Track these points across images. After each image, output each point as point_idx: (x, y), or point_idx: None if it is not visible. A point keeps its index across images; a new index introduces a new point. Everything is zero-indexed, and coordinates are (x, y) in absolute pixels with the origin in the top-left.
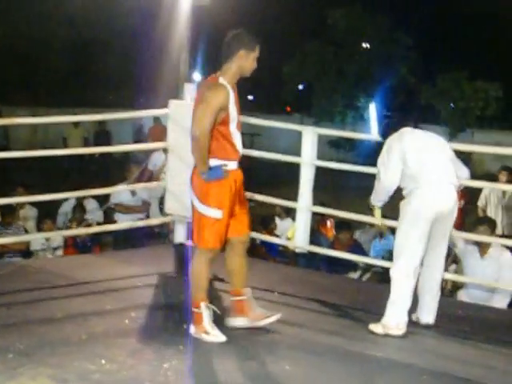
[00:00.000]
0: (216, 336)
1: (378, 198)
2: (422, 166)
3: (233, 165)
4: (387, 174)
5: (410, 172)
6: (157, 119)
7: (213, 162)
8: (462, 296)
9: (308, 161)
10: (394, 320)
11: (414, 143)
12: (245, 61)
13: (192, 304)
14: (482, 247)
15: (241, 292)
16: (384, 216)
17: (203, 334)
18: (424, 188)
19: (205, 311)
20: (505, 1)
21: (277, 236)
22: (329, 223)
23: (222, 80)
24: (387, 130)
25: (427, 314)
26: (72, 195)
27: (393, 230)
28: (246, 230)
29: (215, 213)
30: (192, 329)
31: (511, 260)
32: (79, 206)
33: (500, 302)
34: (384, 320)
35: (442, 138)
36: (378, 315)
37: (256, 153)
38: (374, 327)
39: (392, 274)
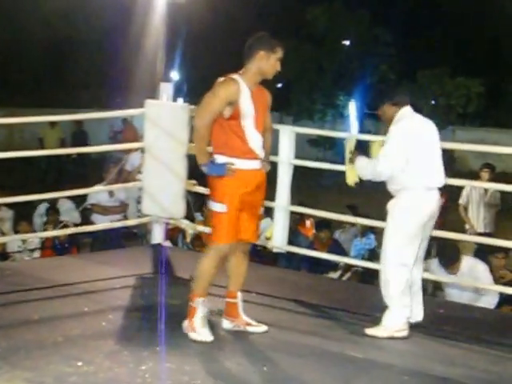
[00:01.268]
0: (203, 335)
1: (366, 175)
2: (419, 167)
3: (243, 164)
4: (387, 164)
5: (405, 169)
6: (125, 120)
7: (219, 159)
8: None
9: (285, 160)
10: (396, 321)
11: (419, 139)
12: (265, 62)
13: (189, 297)
14: (450, 267)
15: (235, 295)
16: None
17: (191, 332)
18: (417, 190)
19: (199, 307)
20: None
21: None
22: (308, 223)
23: (236, 76)
24: (383, 98)
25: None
26: (47, 196)
27: (372, 229)
28: (248, 237)
29: (220, 207)
30: (185, 323)
31: (486, 272)
32: (52, 208)
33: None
34: (384, 322)
35: (435, 130)
36: (358, 315)
37: None
38: (375, 331)
39: (388, 274)
